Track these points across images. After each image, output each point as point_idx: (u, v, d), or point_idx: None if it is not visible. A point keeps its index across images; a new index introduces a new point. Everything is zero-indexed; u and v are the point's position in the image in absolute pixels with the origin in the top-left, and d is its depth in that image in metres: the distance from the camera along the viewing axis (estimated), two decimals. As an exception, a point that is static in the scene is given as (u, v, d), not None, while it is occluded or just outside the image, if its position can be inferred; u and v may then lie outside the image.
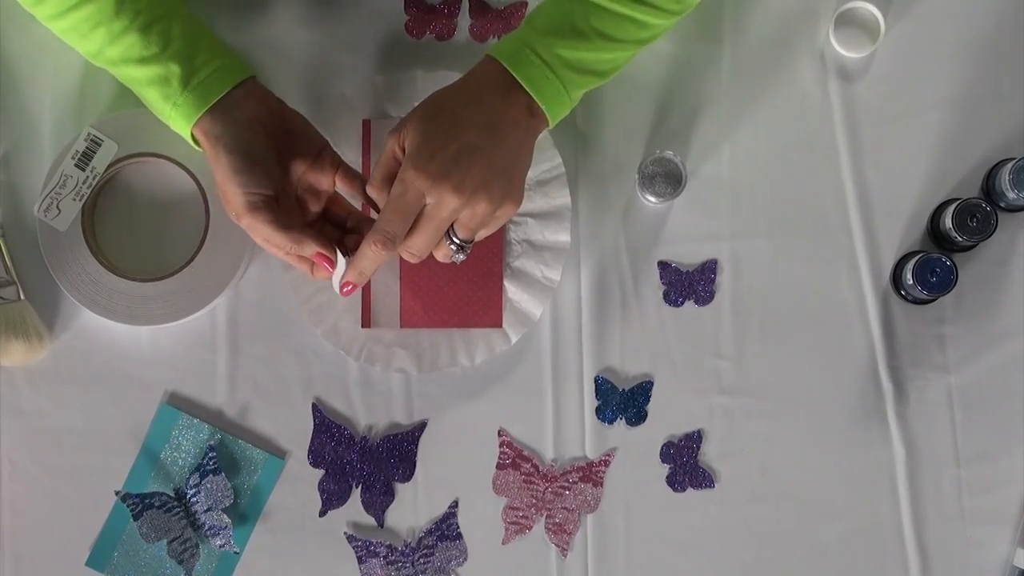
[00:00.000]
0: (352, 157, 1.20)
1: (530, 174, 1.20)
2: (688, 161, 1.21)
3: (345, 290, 1.08)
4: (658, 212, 1.22)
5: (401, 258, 1.19)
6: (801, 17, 1.22)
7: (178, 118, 1.06)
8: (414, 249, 1.05)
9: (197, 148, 1.09)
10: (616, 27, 1.05)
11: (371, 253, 1.05)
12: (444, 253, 1.07)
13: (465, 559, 1.21)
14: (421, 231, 1.04)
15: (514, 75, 1.04)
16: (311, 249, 1.07)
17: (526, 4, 1.22)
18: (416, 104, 1.07)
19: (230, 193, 1.06)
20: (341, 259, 1.08)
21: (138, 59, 1.06)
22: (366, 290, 1.20)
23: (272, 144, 1.08)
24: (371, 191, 1.07)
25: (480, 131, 1.03)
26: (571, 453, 1.21)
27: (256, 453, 1.20)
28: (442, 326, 1.20)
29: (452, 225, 1.05)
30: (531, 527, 1.21)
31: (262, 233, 1.06)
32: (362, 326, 1.20)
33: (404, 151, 1.04)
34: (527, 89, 1.05)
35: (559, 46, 1.05)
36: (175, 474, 1.20)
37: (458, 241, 1.06)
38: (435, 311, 1.20)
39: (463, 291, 1.20)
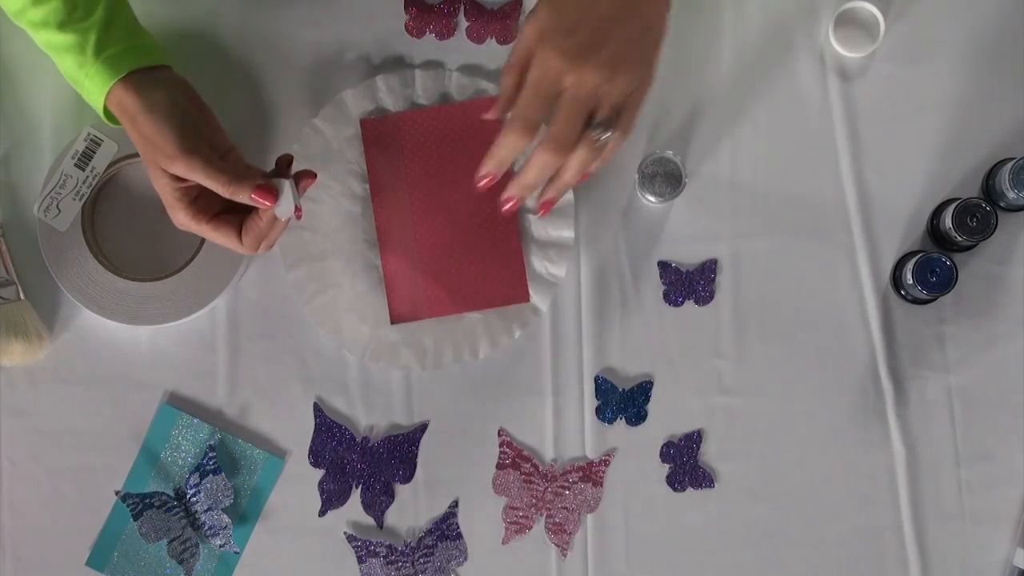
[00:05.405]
0: (352, 156, 1.21)
1: None
2: (688, 161, 1.21)
3: (482, 184, 1.03)
4: (658, 212, 1.22)
5: (416, 247, 1.19)
6: (801, 17, 1.22)
7: (91, 87, 1.07)
8: (559, 136, 0.99)
9: (109, 123, 1.10)
10: None
11: (511, 142, 1.00)
12: (588, 143, 1.00)
13: (465, 559, 1.21)
14: (565, 115, 0.98)
15: None
16: (249, 186, 1.04)
17: (521, 3, 1.22)
18: None
19: (163, 137, 1.04)
20: (286, 186, 1.05)
21: (58, 23, 1.06)
22: (387, 286, 1.20)
23: (195, 122, 1.08)
24: (504, 77, 1.01)
25: (613, 0, 0.98)
26: (571, 453, 1.21)
27: (256, 453, 1.20)
28: (470, 310, 1.20)
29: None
30: (531, 527, 1.21)
31: (199, 174, 1.04)
32: (391, 323, 1.19)
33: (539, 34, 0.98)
34: None
35: None
36: (175, 474, 1.20)
37: (602, 122, 1.00)
38: (460, 296, 1.20)
39: (485, 271, 1.20)
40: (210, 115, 1.10)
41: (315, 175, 1.09)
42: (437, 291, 1.20)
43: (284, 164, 1.08)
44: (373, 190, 1.20)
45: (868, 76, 1.22)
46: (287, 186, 1.06)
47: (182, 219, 1.07)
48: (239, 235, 1.08)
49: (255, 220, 1.07)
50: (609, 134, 1.00)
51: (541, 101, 0.99)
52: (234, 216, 1.08)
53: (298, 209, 1.06)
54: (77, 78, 1.07)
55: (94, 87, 1.07)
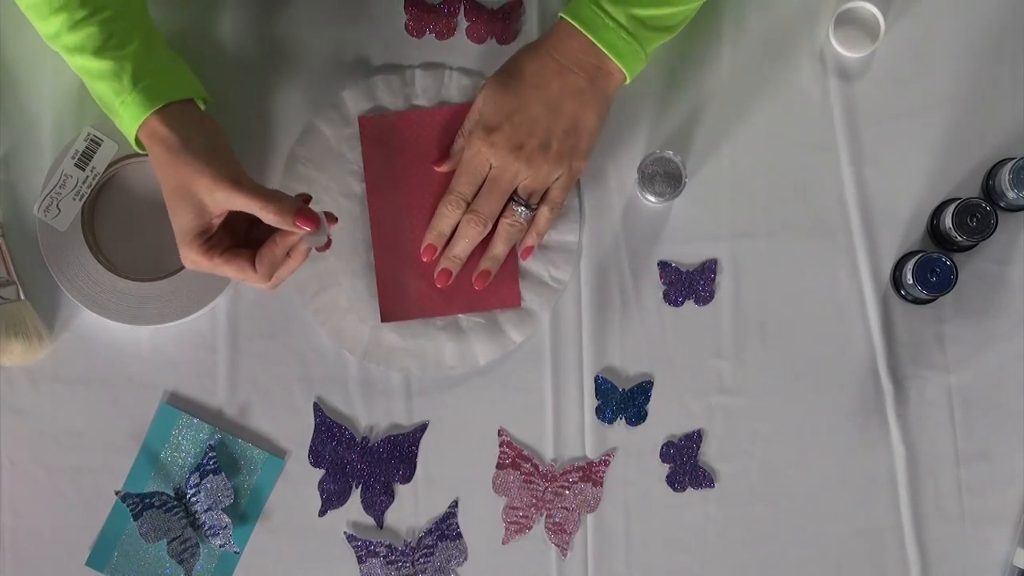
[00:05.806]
0: (352, 156, 1.21)
1: None
2: (688, 161, 1.21)
3: (426, 257, 1.17)
4: (658, 212, 1.22)
5: (410, 247, 1.19)
6: (801, 17, 1.22)
7: (126, 115, 1.07)
8: (479, 209, 1.15)
9: (139, 150, 1.09)
10: None
11: (447, 212, 1.16)
12: (511, 217, 1.15)
13: (465, 559, 1.21)
14: (484, 193, 1.15)
15: (591, 39, 1.10)
16: (292, 211, 1.05)
17: (521, 3, 1.22)
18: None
19: (209, 165, 1.05)
20: (322, 217, 1.07)
21: (94, 50, 1.06)
22: (378, 284, 1.20)
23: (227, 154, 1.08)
24: (458, 139, 1.18)
25: (543, 100, 1.12)
26: (571, 453, 1.21)
27: (256, 453, 1.20)
28: (460, 312, 1.20)
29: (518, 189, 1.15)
30: (531, 527, 1.21)
31: (245, 198, 1.05)
32: (381, 320, 1.19)
33: None
34: (606, 52, 1.11)
35: (632, 5, 1.10)
36: (175, 474, 1.20)
37: (522, 201, 1.15)
38: (451, 297, 1.20)
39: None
40: (232, 151, 1.11)
41: (336, 218, 1.10)
42: (428, 291, 1.20)
43: (302, 202, 1.09)
44: (369, 187, 1.20)
45: (868, 76, 1.22)
46: (320, 217, 1.07)
47: (194, 258, 1.07)
48: (252, 266, 1.08)
49: (270, 248, 1.07)
50: (525, 211, 1.15)
51: (470, 179, 1.15)
52: (243, 250, 1.09)
53: (329, 240, 1.09)
54: (112, 104, 1.07)
55: (129, 115, 1.07)
